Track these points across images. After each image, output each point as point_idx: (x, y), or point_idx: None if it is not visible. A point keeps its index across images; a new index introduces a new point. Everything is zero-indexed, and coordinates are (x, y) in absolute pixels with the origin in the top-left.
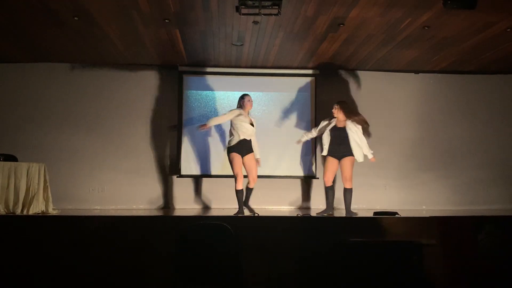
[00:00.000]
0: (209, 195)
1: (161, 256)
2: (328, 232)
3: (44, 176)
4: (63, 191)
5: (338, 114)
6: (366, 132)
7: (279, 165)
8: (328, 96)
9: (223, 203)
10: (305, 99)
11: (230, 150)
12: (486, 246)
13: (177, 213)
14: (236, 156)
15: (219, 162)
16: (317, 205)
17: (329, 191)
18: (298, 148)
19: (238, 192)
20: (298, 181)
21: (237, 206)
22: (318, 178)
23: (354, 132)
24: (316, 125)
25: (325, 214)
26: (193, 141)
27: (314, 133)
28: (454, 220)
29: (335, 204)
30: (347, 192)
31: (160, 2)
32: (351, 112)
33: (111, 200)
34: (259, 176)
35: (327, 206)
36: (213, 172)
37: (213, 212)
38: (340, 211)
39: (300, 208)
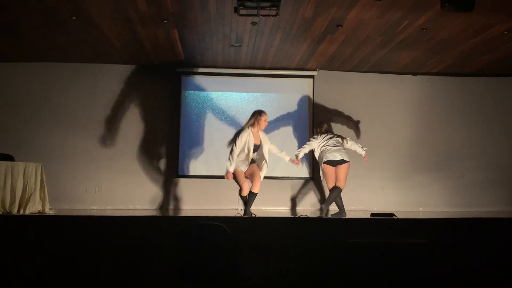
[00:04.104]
0: (206, 195)
1: (158, 256)
2: (325, 233)
3: (41, 176)
4: (60, 191)
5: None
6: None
7: (276, 166)
8: (326, 97)
9: (220, 204)
10: (303, 100)
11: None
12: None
13: (174, 213)
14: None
15: (216, 163)
16: (314, 206)
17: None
18: (296, 149)
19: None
20: (296, 182)
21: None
22: (315, 179)
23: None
24: (314, 127)
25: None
26: (190, 142)
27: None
28: (451, 222)
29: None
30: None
31: (158, 2)
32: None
33: (108, 200)
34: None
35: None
36: (210, 173)
37: (210, 213)
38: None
39: (296, 209)
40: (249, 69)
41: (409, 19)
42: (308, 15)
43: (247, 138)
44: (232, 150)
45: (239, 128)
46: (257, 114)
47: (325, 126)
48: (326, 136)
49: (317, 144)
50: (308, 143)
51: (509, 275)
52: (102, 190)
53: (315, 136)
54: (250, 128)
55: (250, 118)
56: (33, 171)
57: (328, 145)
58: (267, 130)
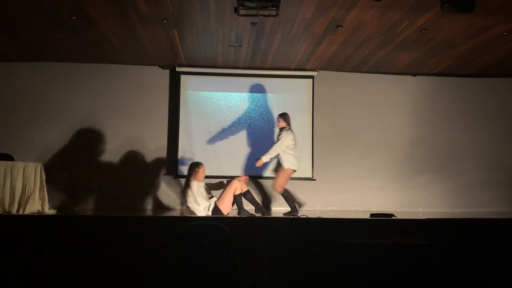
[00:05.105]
0: None
1: (157, 257)
2: (325, 233)
3: (40, 175)
4: (60, 191)
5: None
6: None
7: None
8: (325, 98)
9: None
10: (303, 101)
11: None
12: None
13: (173, 213)
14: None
15: (215, 163)
16: (314, 206)
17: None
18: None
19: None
20: (295, 183)
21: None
22: (315, 180)
23: None
24: (314, 127)
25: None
26: (190, 142)
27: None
28: (450, 223)
29: (333, 206)
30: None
31: (159, 2)
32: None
33: (108, 200)
34: (256, 177)
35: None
36: (210, 173)
37: None
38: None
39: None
40: (249, 69)
41: (409, 20)
42: (308, 15)
43: (198, 188)
44: (188, 203)
45: (186, 184)
46: (195, 166)
47: (289, 117)
48: (293, 138)
49: (290, 141)
50: (281, 141)
51: (508, 276)
52: (102, 190)
53: (289, 132)
54: (194, 180)
55: (190, 171)
56: (32, 170)
57: (293, 149)
58: (267, 130)
